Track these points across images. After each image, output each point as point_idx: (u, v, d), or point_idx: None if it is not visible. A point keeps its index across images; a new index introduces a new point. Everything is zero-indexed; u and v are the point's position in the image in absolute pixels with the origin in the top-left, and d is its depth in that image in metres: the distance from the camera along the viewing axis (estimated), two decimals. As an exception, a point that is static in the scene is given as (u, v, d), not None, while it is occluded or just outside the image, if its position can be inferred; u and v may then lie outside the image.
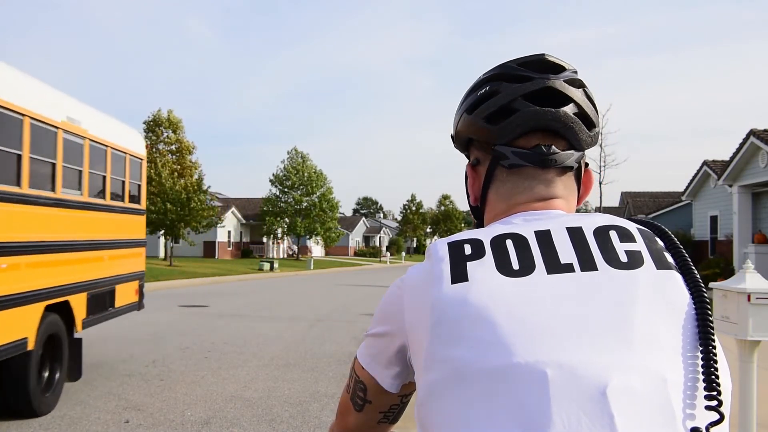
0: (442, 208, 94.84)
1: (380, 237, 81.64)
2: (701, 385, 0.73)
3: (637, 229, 0.85)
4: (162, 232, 35.48)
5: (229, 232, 50.62)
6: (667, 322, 0.76)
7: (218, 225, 41.73)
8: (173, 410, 5.69)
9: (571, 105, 0.91)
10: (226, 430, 5.14)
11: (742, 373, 3.94)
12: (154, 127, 38.41)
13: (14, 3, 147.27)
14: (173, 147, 38.63)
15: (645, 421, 0.69)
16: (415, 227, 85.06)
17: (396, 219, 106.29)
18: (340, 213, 64.25)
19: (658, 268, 0.80)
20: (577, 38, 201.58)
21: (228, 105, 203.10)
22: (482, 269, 0.80)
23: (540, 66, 0.95)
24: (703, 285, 0.80)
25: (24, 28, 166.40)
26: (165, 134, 38.64)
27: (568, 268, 0.80)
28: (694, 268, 0.82)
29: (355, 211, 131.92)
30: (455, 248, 0.83)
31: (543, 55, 0.97)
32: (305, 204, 50.86)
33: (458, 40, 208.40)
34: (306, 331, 10.94)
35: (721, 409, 0.72)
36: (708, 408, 0.71)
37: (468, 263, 0.81)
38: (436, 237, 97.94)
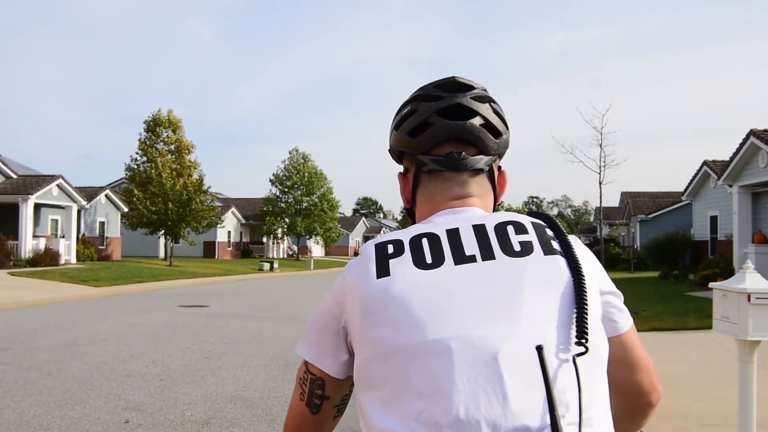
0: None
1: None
2: (574, 337, 0.90)
3: (531, 222, 1.02)
4: (162, 232, 35.48)
5: (229, 232, 50.60)
6: (549, 296, 0.93)
7: (218, 225, 41.70)
8: (173, 410, 5.69)
9: (478, 117, 1.08)
10: (226, 430, 5.14)
11: (742, 373, 3.94)
12: (153, 127, 38.36)
13: (14, 3, 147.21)
14: (173, 147, 38.61)
15: (527, 378, 0.86)
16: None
17: (396, 219, 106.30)
18: (340, 213, 64.23)
19: (545, 254, 0.97)
20: (576, 39, 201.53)
21: (228, 105, 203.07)
22: (401, 265, 0.96)
23: (451, 87, 1.11)
24: (581, 265, 0.96)
25: (24, 28, 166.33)
26: (165, 134, 38.62)
27: (472, 258, 0.96)
28: (575, 251, 0.98)
29: (355, 211, 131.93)
30: (380, 249, 1.00)
31: (454, 77, 1.12)
32: (305, 204, 50.85)
33: (458, 41, 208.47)
34: (306, 331, 10.92)
35: (586, 342, 0.90)
36: (577, 344, 0.90)
37: (390, 260, 0.97)
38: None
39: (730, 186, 18.63)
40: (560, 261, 0.97)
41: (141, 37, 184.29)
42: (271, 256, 52.50)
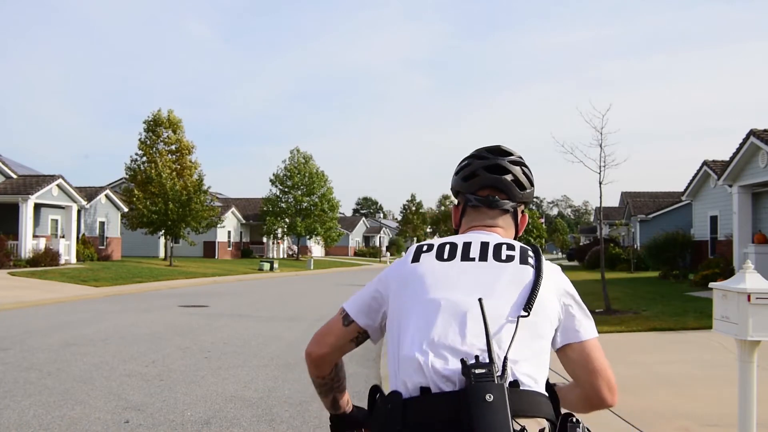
0: (442, 208, 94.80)
1: (380, 237, 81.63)
2: (518, 303, 1.41)
3: (520, 246, 1.54)
4: (162, 232, 35.46)
5: (229, 232, 50.56)
6: (514, 288, 1.44)
7: (218, 225, 41.69)
8: (173, 410, 5.69)
9: (510, 174, 1.62)
10: (226, 430, 5.14)
11: (742, 373, 3.94)
12: (154, 127, 38.37)
13: (14, 3, 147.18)
14: (173, 147, 38.60)
15: (482, 328, 1.34)
16: (415, 227, 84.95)
17: (396, 219, 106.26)
18: (340, 213, 64.20)
19: (520, 264, 1.48)
20: (576, 39, 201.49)
21: (228, 105, 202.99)
22: (428, 257, 1.53)
23: (497, 152, 1.66)
24: (542, 275, 1.45)
25: (24, 28, 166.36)
26: (165, 134, 38.61)
27: (472, 259, 1.51)
28: (543, 267, 1.47)
29: (355, 211, 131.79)
30: (419, 247, 1.58)
31: (499, 146, 1.67)
32: (306, 204, 50.82)
33: (457, 42, 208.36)
34: (306, 331, 10.92)
35: (526, 313, 1.39)
36: (524, 309, 1.40)
37: (422, 254, 1.55)
38: (436, 236, 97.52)
39: (730, 186, 18.62)
40: (529, 270, 1.48)
41: (141, 37, 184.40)
42: (271, 256, 52.48)
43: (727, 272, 16.78)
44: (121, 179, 43.03)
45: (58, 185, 29.14)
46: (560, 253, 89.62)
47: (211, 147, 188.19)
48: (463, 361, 1.30)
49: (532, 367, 1.39)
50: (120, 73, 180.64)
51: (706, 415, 5.17)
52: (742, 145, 17.11)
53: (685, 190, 24.86)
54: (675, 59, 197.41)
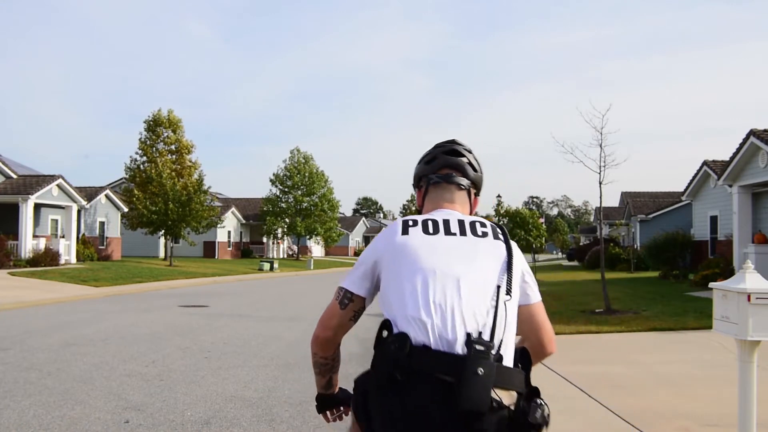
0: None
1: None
2: (505, 287, 1.71)
3: (490, 224, 1.86)
4: (162, 232, 35.46)
5: (229, 232, 50.56)
6: (492, 260, 1.76)
7: (218, 225, 41.69)
8: (173, 410, 5.69)
9: (464, 158, 1.99)
10: (226, 430, 5.14)
11: (742, 373, 3.94)
12: (154, 127, 38.38)
13: (14, 3, 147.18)
14: (173, 147, 38.60)
15: (474, 293, 1.67)
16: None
17: (396, 219, 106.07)
18: (340, 213, 64.18)
19: (494, 239, 1.81)
20: (576, 39, 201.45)
21: (228, 105, 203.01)
22: (415, 230, 1.80)
23: (453, 142, 2.04)
24: (513, 252, 1.79)
25: (24, 28, 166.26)
26: (165, 134, 38.61)
27: (454, 233, 1.81)
28: (511, 244, 1.81)
29: (355, 211, 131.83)
30: (405, 222, 1.84)
31: (454, 140, 2.04)
32: (306, 204, 50.81)
33: (457, 42, 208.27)
34: (306, 330, 10.93)
35: (511, 293, 1.71)
36: (507, 293, 1.70)
37: (409, 228, 1.81)
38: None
39: (730, 186, 18.61)
40: (502, 245, 1.81)
41: (141, 37, 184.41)
42: (271, 256, 52.48)
43: (727, 272, 16.78)
44: (121, 179, 43.03)
45: (58, 185, 29.14)
46: (560, 253, 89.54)
47: (211, 147, 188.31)
48: (468, 335, 1.62)
49: (511, 344, 1.70)
50: (120, 73, 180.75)
51: (706, 415, 5.17)
52: (742, 145, 17.11)
53: (685, 190, 24.87)
54: (675, 59, 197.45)
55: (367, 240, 79.53)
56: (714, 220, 22.84)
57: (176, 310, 14.46)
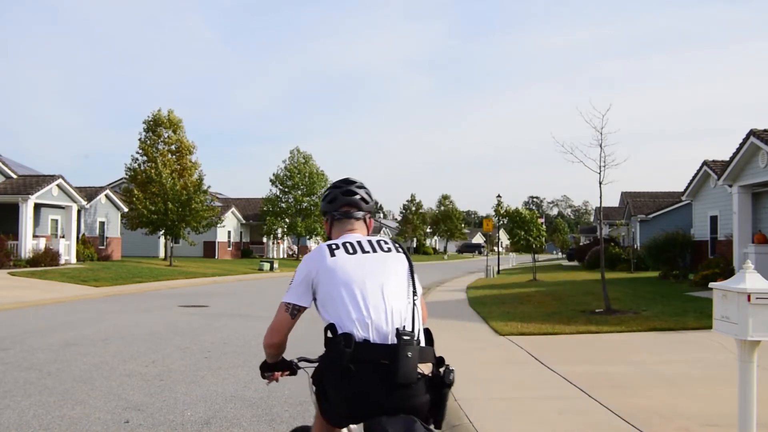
0: (442, 208, 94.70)
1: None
2: (411, 289, 2.39)
3: (391, 239, 2.50)
4: (162, 232, 35.44)
5: (229, 232, 50.54)
6: (400, 269, 2.42)
7: (218, 225, 41.66)
8: (173, 410, 5.69)
9: (357, 196, 2.58)
10: (226, 430, 5.14)
11: (742, 373, 3.94)
12: (154, 127, 38.37)
13: (14, 3, 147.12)
14: (173, 147, 38.59)
15: (395, 296, 2.33)
16: (415, 227, 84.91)
17: (396, 219, 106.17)
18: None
19: (396, 252, 2.46)
20: (575, 39, 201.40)
21: (228, 105, 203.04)
22: (339, 252, 2.41)
23: (348, 182, 2.63)
24: (410, 259, 2.47)
25: (24, 28, 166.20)
26: (165, 134, 38.60)
27: (368, 252, 2.44)
28: (408, 256, 2.47)
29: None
30: (329, 246, 2.44)
31: (348, 178, 2.65)
32: (306, 204, 50.78)
33: (457, 42, 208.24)
34: (306, 330, 10.90)
35: (416, 296, 2.40)
36: (414, 294, 2.40)
37: (335, 251, 2.41)
38: (436, 237, 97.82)
39: (730, 186, 18.60)
40: (403, 256, 2.46)
41: (141, 37, 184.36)
42: (271, 256, 52.44)
43: (727, 272, 16.77)
44: (121, 179, 43.01)
45: (58, 185, 29.13)
46: (560, 253, 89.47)
47: (211, 147, 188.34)
48: (398, 329, 2.27)
49: (422, 329, 2.39)
50: (120, 73, 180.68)
51: (706, 415, 5.17)
52: (742, 145, 17.09)
53: (685, 190, 24.86)
54: (675, 59, 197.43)
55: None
56: (714, 220, 22.84)
57: (176, 310, 14.46)
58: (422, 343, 2.33)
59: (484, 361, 7.85)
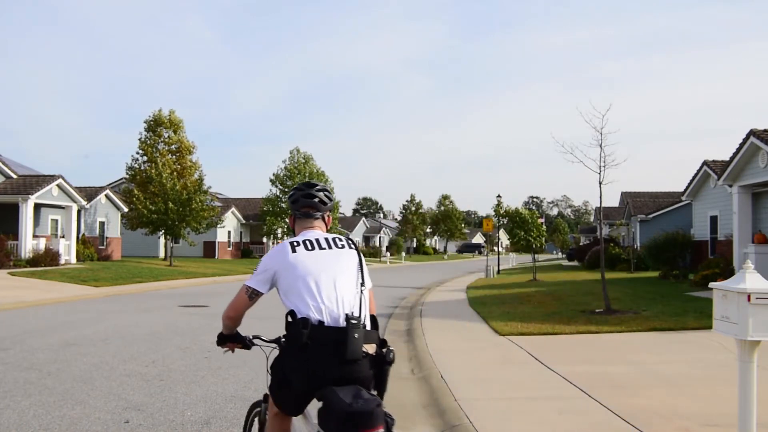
0: (442, 208, 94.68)
1: (380, 237, 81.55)
2: (359, 281, 2.90)
3: (345, 237, 3.00)
4: (162, 232, 35.44)
5: (229, 233, 50.54)
6: (351, 264, 2.91)
7: (218, 225, 41.65)
8: (173, 410, 5.69)
9: (317, 198, 3.04)
10: (226, 430, 5.14)
11: (742, 373, 3.94)
12: (155, 127, 38.36)
13: (14, 3, 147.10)
14: (174, 147, 38.59)
15: (346, 287, 2.83)
16: (415, 227, 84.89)
17: (396, 219, 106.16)
18: (340, 213, 64.12)
19: (349, 249, 2.96)
20: (575, 39, 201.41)
21: (228, 105, 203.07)
22: (300, 249, 2.87)
23: (310, 185, 3.09)
24: (362, 257, 2.98)
25: (24, 28, 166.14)
26: (166, 134, 38.59)
27: (324, 248, 2.91)
28: (360, 251, 3.00)
29: (355, 211, 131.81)
30: (291, 243, 2.91)
31: (310, 181, 3.13)
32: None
33: (457, 42, 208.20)
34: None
35: (363, 287, 2.90)
36: (361, 286, 2.90)
37: (296, 247, 2.88)
38: (436, 237, 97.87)
39: (730, 186, 18.60)
40: (355, 252, 2.95)
41: (141, 37, 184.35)
42: (271, 256, 52.35)
43: (727, 272, 16.77)
44: (121, 179, 43.01)
45: (58, 185, 29.12)
46: (560, 253, 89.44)
47: (212, 147, 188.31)
48: (347, 315, 2.73)
49: (368, 315, 2.86)
50: (120, 73, 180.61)
51: (706, 415, 5.17)
52: (742, 145, 17.09)
53: (685, 190, 24.86)
54: (675, 59, 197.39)
55: (367, 240, 79.61)
56: (714, 220, 22.84)
57: (176, 310, 14.46)
58: (368, 327, 2.79)
59: (484, 361, 7.85)
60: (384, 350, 2.77)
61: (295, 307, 2.76)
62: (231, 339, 3.12)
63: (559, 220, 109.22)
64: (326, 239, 2.94)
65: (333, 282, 2.78)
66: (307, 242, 2.90)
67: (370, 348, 2.73)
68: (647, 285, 19.41)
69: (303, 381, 2.69)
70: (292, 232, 3.11)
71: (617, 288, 17.46)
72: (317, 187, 3.07)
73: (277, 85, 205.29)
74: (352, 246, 2.97)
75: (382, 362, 2.76)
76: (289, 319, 2.74)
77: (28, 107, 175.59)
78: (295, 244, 2.88)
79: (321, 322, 2.69)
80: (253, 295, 2.87)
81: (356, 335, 2.65)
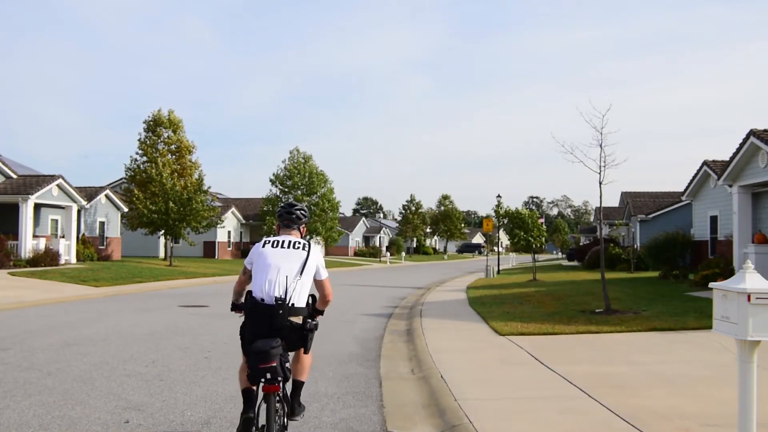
0: (442, 208, 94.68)
1: (380, 237, 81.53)
2: (298, 274, 4.36)
3: (302, 241, 4.52)
4: (162, 232, 35.43)
5: (229, 233, 50.55)
6: (296, 260, 4.40)
7: (218, 225, 41.65)
8: (173, 410, 5.69)
9: (294, 215, 4.66)
10: (226, 430, 5.15)
11: (742, 373, 3.94)
12: (154, 127, 38.36)
13: (14, 3, 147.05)
14: (173, 147, 38.59)
15: (287, 276, 4.31)
16: (415, 227, 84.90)
17: (396, 219, 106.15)
18: (340, 213, 64.13)
19: (302, 250, 4.46)
20: (575, 39, 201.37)
21: (228, 105, 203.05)
22: (268, 246, 4.49)
23: (291, 205, 4.74)
24: (310, 257, 4.46)
25: (24, 28, 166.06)
26: (165, 134, 38.59)
27: (284, 247, 4.46)
28: (311, 252, 4.47)
29: (355, 211, 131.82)
30: (265, 241, 4.53)
31: (291, 201, 5.10)
32: (306, 204, 50.78)
33: (457, 42, 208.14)
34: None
35: (299, 278, 4.36)
36: (299, 275, 4.38)
37: (266, 243, 4.51)
38: (436, 237, 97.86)
39: (730, 186, 18.60)
40: (304, 252, 4.44)
41: (141, 37, 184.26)
42: (271, 256, 52.33)
43: (727, 272, 16.77)
44: (121, 179, 42.99)
45: (58, 185, 29.12)
46: (560, 253, 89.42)
47: (211, 147, 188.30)
48: (277, 297, 4.19)
49: (300, 297, 4.31)
50: (120, 73, 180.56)
51: (706, 415, 5.17)
52: (742, 145, 17.09)
53: (685, 190, 24.86)
54: (675, 59, 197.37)
55: (367, 240, 79.57)
56: (714, 220, 22.84)
57: (176, 310, 14.46)
58: (296, 305, 4.24)
59: (484, 361, 7.85)
60: (308, 323, 4.28)
61: (253, 287, 4.34)
62: (236, 308, 4.64)
63: (559, 220, 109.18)
64: (289, 242, 4.43)
65: (277, 272, 4.26)
66: (275, 242, 4.44)
67: (297, 320, 4.23)
68: (647, 285, 19.41)
69: (249, 335, 4.26)
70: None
71: (617, 288, 17.46)
72: (296, 207, 4.63)
73: (277, 85, 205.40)
74: (305, 249, 4.40)
75: (303, 329, 4.26)
76: (246, 294, 4.40)
77: (28, 107, 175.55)
78: (267, 242, 4.46)
79: (262, 300, 4.22)
80: (245, 272, 4.54)
81: (281, 311, 4.15)
